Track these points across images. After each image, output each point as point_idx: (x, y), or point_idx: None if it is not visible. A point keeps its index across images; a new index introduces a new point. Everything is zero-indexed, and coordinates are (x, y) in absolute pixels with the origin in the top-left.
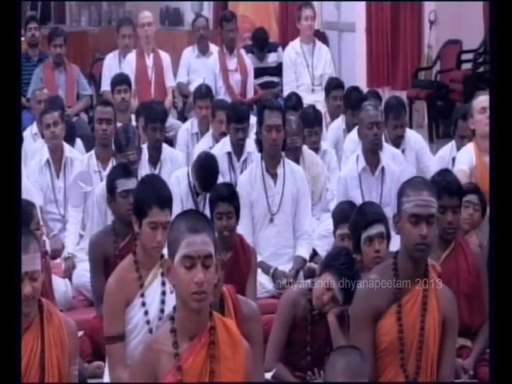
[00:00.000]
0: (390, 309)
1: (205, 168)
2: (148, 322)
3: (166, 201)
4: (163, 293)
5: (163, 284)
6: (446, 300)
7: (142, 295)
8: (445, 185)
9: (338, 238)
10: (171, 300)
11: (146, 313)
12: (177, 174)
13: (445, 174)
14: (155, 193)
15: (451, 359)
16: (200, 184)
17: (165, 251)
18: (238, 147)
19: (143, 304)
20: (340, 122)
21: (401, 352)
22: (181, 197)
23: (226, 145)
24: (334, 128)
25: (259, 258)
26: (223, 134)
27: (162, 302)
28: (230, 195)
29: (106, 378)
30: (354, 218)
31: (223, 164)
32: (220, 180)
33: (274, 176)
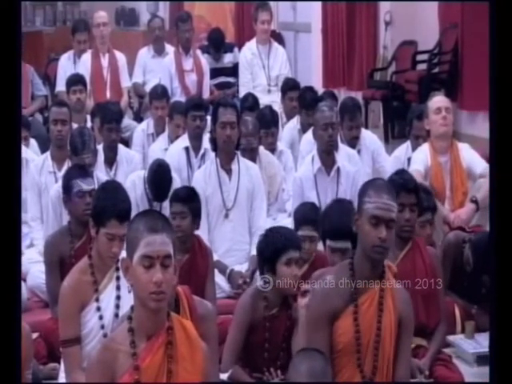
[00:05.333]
0: (346, 309)
1: (156, 179)
2: (103, 327)
3: (125, 214)
4: (118, 297)
5: (118, 288)
6: (402, 300)
7: (97, 300)
8: (402, 183)
9: None
10: (126, 304)
11: (101, 317)
12: (133, 177)
13: (402, 173)
14: (115, 205)
15: (407, 359)
16: (152, 194)
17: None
18: (196, 140)
19: (98, 309)
20: (295, 122)
21: (357, 352)
22: (136, 201)
23: (184, 140)
24: (289, 128)
25: (215, 255)
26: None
27: (117, 306)
28: (185, 196)
29: (61, 380)
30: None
31: (181, 160)
32: (177, 176)
33: (229, 172)
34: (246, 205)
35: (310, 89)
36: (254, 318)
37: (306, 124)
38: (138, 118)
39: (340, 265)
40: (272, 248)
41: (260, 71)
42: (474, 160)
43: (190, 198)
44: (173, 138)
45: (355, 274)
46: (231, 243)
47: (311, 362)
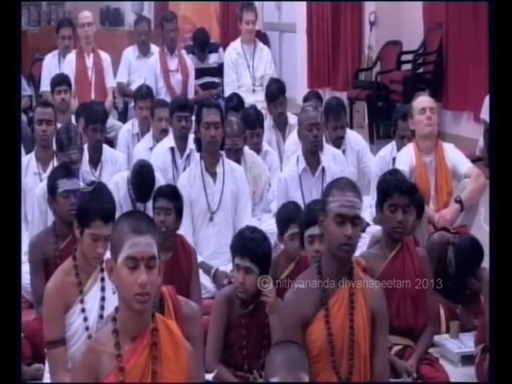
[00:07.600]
0: (317, 314)
1: (138, 180)
2: (87, 328)
3: (110, 215)
4: (102, 298)
5: (103, 289)
6: (374, 294)
7: (82, 301)
8: (396, 183)
9: (287, 238)
10: (110, 306)
11: (86, 319)
12: (116, 178)
13: (396, 173)
14: (100, 206)
15: (384, 353)
16: (135, 194)
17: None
18: (182, 140)
19: (82, 310)
20: (268, 119)
21: (332, 355)
22: (120, 203)
23: (169, 140)
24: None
25: (200, 258)
26: (164, 132)
27: (102, 307)
28: (170, 192)
29: (46, 381)
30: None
31: (166, 160)
32: (162, 176)
33: (214, 175)
34: (231, 207)
35: (276, 81)
36: (230, 315)
37: (277, 114)
38: (123, 118)
39: (308, 270)
40: (231, 248)
41: (245, 71)
42: (459, 160)
43: (174, 195)
44: (157, 136)
45: (323, 276)
46: (216, 246)
47: (287, 351)
